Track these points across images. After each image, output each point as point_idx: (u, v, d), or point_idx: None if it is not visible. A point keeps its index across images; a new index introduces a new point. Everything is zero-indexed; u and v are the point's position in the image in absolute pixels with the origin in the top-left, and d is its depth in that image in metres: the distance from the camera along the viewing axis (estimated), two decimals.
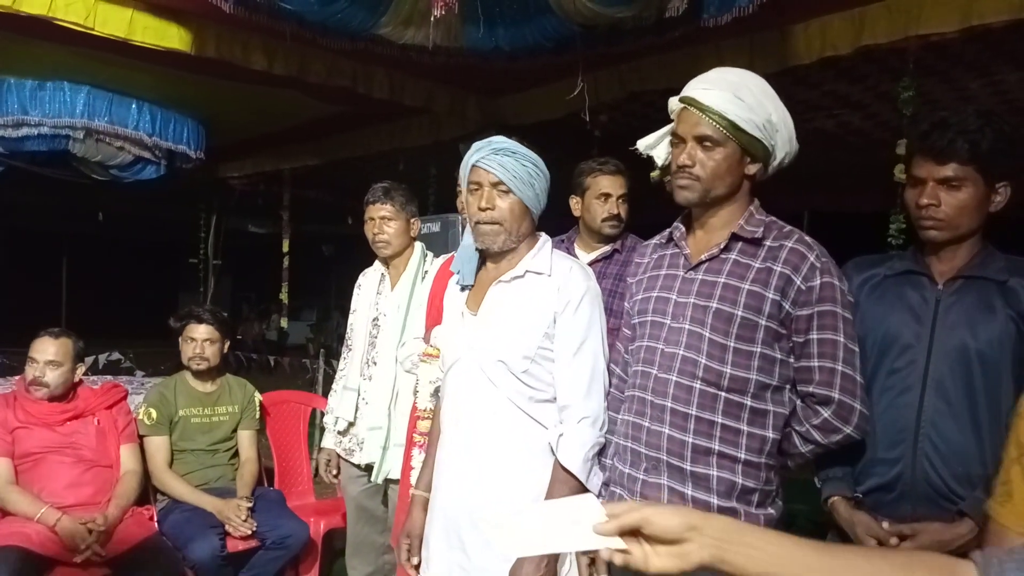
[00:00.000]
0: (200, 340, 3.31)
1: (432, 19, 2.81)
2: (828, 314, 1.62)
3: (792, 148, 1.71)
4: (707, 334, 1.65)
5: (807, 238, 1.68)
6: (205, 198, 7.98)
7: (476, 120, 4.96)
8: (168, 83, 4.73)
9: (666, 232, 1.84)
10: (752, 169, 1.69)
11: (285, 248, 7.65)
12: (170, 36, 3.84)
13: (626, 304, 1.91)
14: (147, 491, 3.18)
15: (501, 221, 1.89)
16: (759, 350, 1.63)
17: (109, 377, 4.24)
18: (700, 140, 1.65)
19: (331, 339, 10.26)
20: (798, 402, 1.67)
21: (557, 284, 1.89)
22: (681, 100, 1.71)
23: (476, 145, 1.95)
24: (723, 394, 1.63)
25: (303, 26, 3.43)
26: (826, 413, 1.63)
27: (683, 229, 1.79)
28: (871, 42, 3.41)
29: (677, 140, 1.70)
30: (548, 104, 4.46)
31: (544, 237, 2.01)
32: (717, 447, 1.63)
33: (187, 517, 3.04)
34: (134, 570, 2.76)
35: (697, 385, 1.64)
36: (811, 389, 1.63)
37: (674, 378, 1.66)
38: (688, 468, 1.64)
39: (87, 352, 3.27)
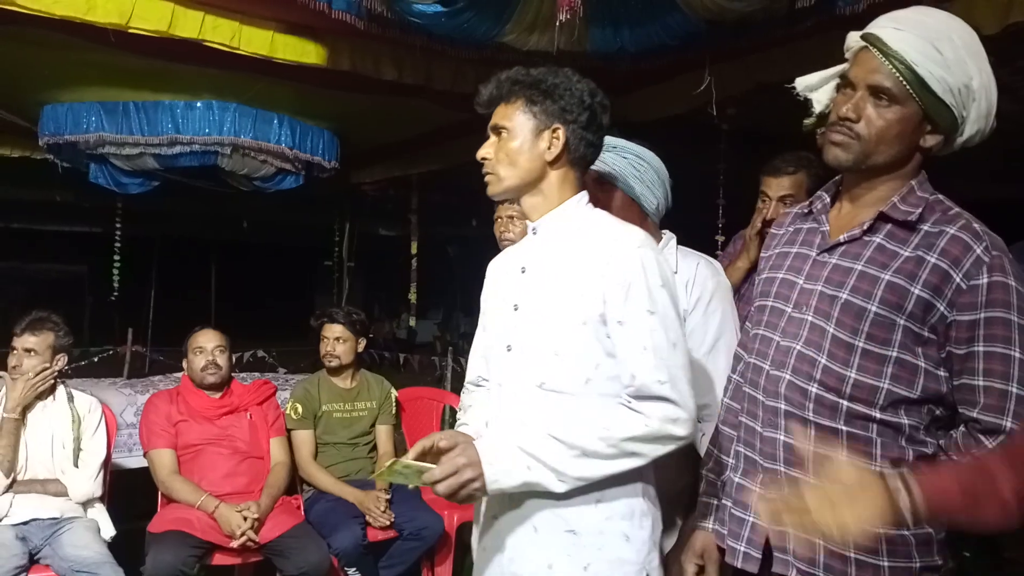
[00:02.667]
0: (332, 339, 3.49)
1: (557, 24, 2.86)
2: (999, 322, 1.31)
3: (988, 126, 1.40)
4: (831, 329, 1.39)
5: (976, 224, 1.36)
6: (339, 204, 8.35)
7: (607, 124, 4.97)
8: (305, 98, 4.98)
9: (807, 202, 1.57)
10: (930, 141, 1.38)
11: (413, 250, 7.91)
12: (308, 52, 4.06)
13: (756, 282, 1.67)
14: (294, 482, 3.38)
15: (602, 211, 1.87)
16: (894, 354, 1.35)
17: (257, 374, 4.52)
18: (874, 91, 1.35)
19: (455, 337, 10.54)
20: (960, 428, 1.37)
21: (684, 281, 1.87)
22: (863, 37, 1.39)
23: None
24: (844, 403, 1.37)
25: (431, 38, 3.56)
26: (991, 445, 1.30)
27: (827, 199, 1.51)
28: (1021, 19, 3.20)
29: (845, 85, 1.41)
30: (672, 100, 4.42)
31: (669, 235, 2.01)
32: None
33: (331, 507, 3.21)
34: (285, 555, 2.94)
35: (813, 388, 1.39)
36: (975, 414, 1.33)
37: (787, 376, 1.42)
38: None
39: (235, 350, 3.51)
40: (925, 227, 1.37)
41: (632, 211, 1.93)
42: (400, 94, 4.71)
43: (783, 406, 1.43)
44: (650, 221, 1.97)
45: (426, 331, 10.47)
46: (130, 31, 3.57)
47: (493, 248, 3.05)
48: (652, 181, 1.95)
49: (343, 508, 3.20)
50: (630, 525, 1.54)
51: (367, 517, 3.20)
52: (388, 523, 3.21)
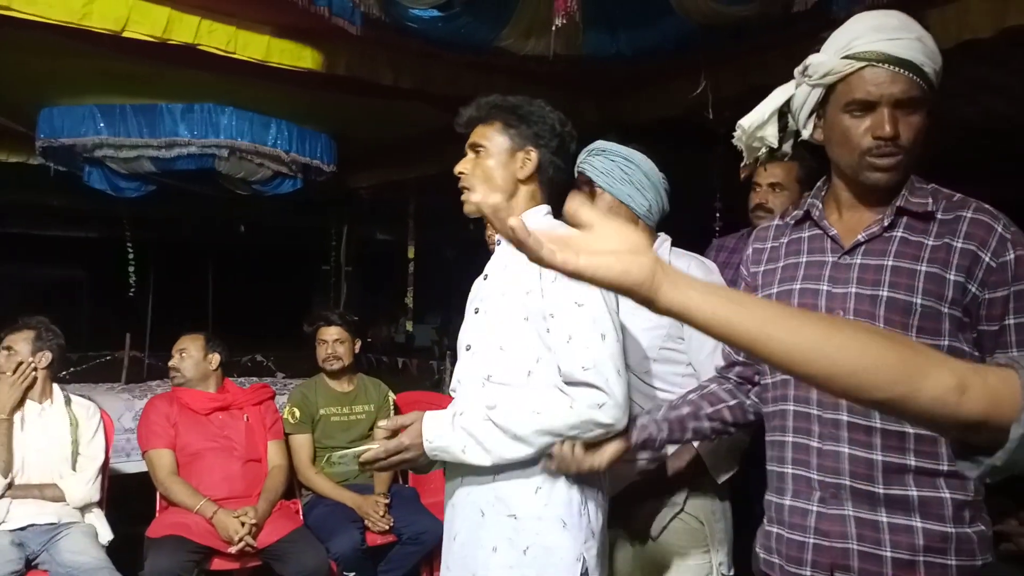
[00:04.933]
0: (331, 341, 3.50)
1: (553, 29, 2.86)
2: None
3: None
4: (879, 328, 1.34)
5: (986, 205, 1.40)
6: (336, 208, 8.34)
7: (594, 122, 4.99)
8: (302, 102, 4.98)
9: (795, 212, 1.57)
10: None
11: (410, 254, 7.90)
12: (304, 57, 4.07)
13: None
14: (292, 486, 3.38)
15: None
16: (947, 343, 1.35)
17: (255, 378, 4.52)
18: (901, 103, 1.35)
19: (453, 341, 10.47)
20: None
21: None
22: (857, 57, 1.36)
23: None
24: None
25: (428, 42, 3.56)
26: None
27: (820, 207, 1.51)
28: (1017, 23, 3.21)
29: (858, 109, 1.37)
30: (668, 103, 4.43)
31: (663, 237, 2.04)
32: (913, 462, 1.36)
33: (330, 511, 3.22)
34: (283, 560, 2.95)
35: None
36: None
37: None
38: (880, 491, 1.37)
39: (233, 355, 3.51)
40: (939, 215, 1.40)
41: (620, 214, 1.95)
42: (397, 98, 4.71)
43: (845, 417, 1.40)
44: (643, 224, 1.98)
45: (424, 335, 10.45)
46: (126, 36, 3.57)
47: (489, 253, 3.07)
48: (641, 184, 1.97)
49: (342, 512, 3.21)
50: (568, 511, 1.64)
51: (366, 521, 3.19)
52: (387, 527, 3.21)
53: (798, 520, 1.46)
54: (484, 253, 3.07)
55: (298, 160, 5.45)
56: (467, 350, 1.75)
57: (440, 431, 1.61)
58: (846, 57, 1.38)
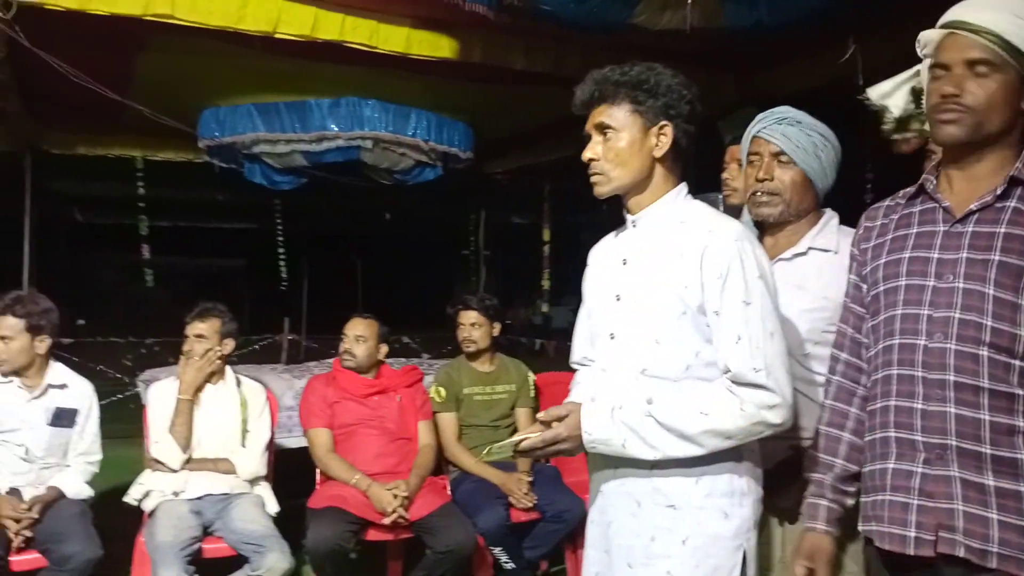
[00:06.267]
0: (468, 325, 3.59)
1: (689, 1, 2.81)
2: None
3: None
4: (991, 291, 1.39)
5: None
6: (474, 194, 8.54)
7: (732, 96, 4.85)
8: (439, 91, 5.13)
9: (908, 189, 1.59)
10: None
11: (546, 237, 7.99)
12: (441, 47, 4.17)
13: (850, 276, 1.66)
14: (440, 463, 3.51)
15: (779, 192, 1.87)
16: None
17: (403, 360, 4.71)
18: (972, 64, 1.42)
19: None
20: None
21: (848, 262, 1.84)
22: (946, 26, 1.47)
23: (760, 116, 1.96)
24: (1018, 363, 1.38)
25: (560, 25, 3.58)
26: None
27: (935, 181, 1.54)
28: None
29: (939, 71, 1.46)
30: (812, 74, 4.25)
31: (830, 213, 1.96)
32: (1022, 423, 1.38)
33: (476, 488, 3.32)
34: (433, 533, 3.06)
35: (984, 352, 1.38)
36: None
37: (953, 346, 1.41)
38: (988, 451, 1.38)
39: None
40: None
41: (807, 190, 1.90)
42: (531, 83, 4.75)
43: (952, 377, 1.41)
44: (813, 199, 1.92)
45: (561, 317, 10.52)
46: (277, 36, 3.79)
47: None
48: (830, 162, 1.91)
49: (487, 489, 3.30)
50: (730, 502, 1.60)
51: (510, 498, 3.28)
52: (530, 505, 3.28)
53: (901, 482, 1.47)
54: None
55: (437, 149, 5.62)
56: (612, 338, 1.69)
57: (600, 424, 1.60)
58: (940, 27, 1.47)
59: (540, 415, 1.69)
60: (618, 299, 1.69)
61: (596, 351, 1.75)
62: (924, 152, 2.44)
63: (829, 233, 1.90)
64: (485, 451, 1.78)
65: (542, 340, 8.15)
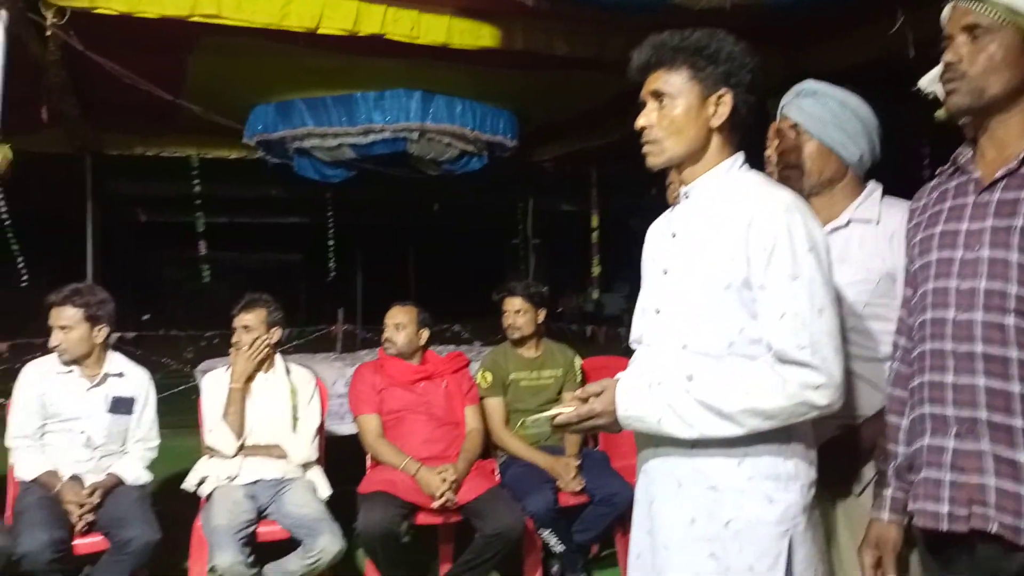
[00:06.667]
0: (512, 311, 3.61)
1: None
2: None
3: None
4: (1015, 258, 1.35)
5: None
6: (521, 183, 8.55)
7: (781, 74, 4.76)
8: (483, 80, 5.14)
9: (948, 165, 1.57)
10: None
11: (594, 223, 7.95)
12: (483, 35, 4.18)
13: (904, 259, 1.65)
14: (488, 447, 3.54)
15: (797, 165, 1.83)
16: None
17: (452, 347, 4.75)
18: (967, 29, 1.41)
19: None
20: None
21: (889, 234, 1.79)
22: None
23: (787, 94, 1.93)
24: None
25: (601, 8, 3.55)
26: None
27: (969, 153, 1.51)
28: None
29: (946, 43, 1.46)
30: (860, 47, 4.14)
31: (874, 185, 1.91)
32: None
33: (524, 472, 3.34)
34: (482, 516, 3.09)
35: (1011, 320, 1.34)
36: None
37: (979, 317, 1.38)
38: (1020, 425, 1.34)
39: (433, 325, 3.69)
40: None
41: (829, 162, 1.87)
42: (574, 68, 4.73)
43: (980, 348, 1.38)
44: (850, 172, 1.88)
45: (613, 304, 10.49)
46: (320, 33, 3.85)
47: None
48: (856, 130, 1.87)
49: (535, 473, 3.32)
50: (775, 486, 1.53)
51: (558, 482, 3.29)
52: (578, 488, 3.29)
53: (934, 458, 1.44)
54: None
55: (482, 138, 5.64)
56: (657, 313, 1.64)
57: (635, 400, 1.55)
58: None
59: (576, 392, 1.66)
60: (665, 273, 1.65)
61: (644, 327, 1.70)
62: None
63: (871, 205, 1.87)
64: (519, 423, 1.78)
65: (592, 327, 8.12)
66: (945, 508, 1.40)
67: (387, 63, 4.77)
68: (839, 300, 1.68)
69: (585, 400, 1.61)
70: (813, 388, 1.45)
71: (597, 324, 8.35)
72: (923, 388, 1.48)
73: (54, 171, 6.67)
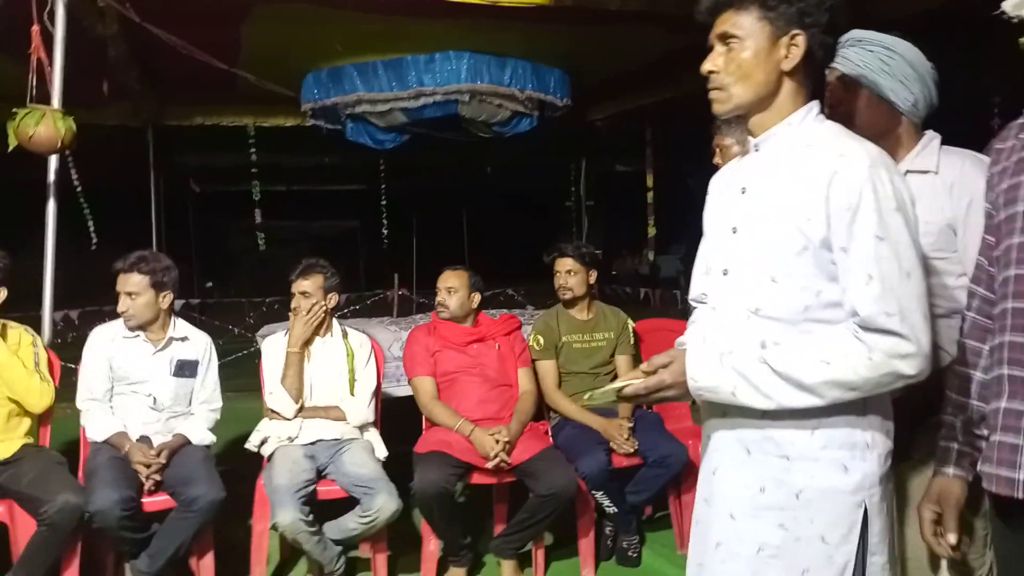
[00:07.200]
0: (563, 272, 3.58)
1: None
2: None
3: None
4: None
5: None
6: (574, 144, 8.46)
7: (846, 24, 4.59)
8: (533, 38, 5.08)
9: None
10: None
11: (649, 183, 7.83)
12: None
13: (984, 204, 1.53)
14: (541, 409, 3.55)
15: (849, 116, 1.76)
16: None
17: (505, 310, 4.77)
18: None
19: None
20: None
21: (949, 183, 1.72)
22: None
23: None
24: None
25: None
26: None
27: None
28: None
29: None
30: None
31: (931, 135, 1.83)
32: None
33: (577, 433, 3.34)
34: (535, 477, 3.11)
35: None
36: None
37: None
38: None
39: (487, 290, 3.69)
40: None
41: (880, 111, 1.79)
42: (626, 22, 4.64)
43: None
44: (907, 121, 1.81)
45: (669, 266, 10.37)
46: None
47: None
48: (906, 75, 1.78)
49: (588, 435, 3.32)
50: (850, 455, 1.46)
51: (611, 444, 3.29)
52: (632, 450, 3.28)
53: (1012, 422, 1.35)
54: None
55: (534, 97, 5.59)
56: (724, 274, 1.55)
57: (707, 370, 1.48)
58: None
59: (643, 365, 1.58)
60: (734, 231, 1.54)
61: (709, 287, 1.61)
62: None
63: (929, 154, 1.79)
64: (586, 396, 1.72)
65: (647, 289, 8.06)
66: (1022, 475, 1.34)
67: (436, 25, 4.76)
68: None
69: (653, 372, 1.55)
70: (901, 357, 1.37)
71: (652, 287, 8.28)
72: (1003, 348, 1.39)
73: (119, 143, 6.86)
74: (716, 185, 1.72)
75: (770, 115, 1.52)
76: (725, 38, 1.49)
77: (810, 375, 1.40)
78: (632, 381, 1.57)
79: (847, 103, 1.79)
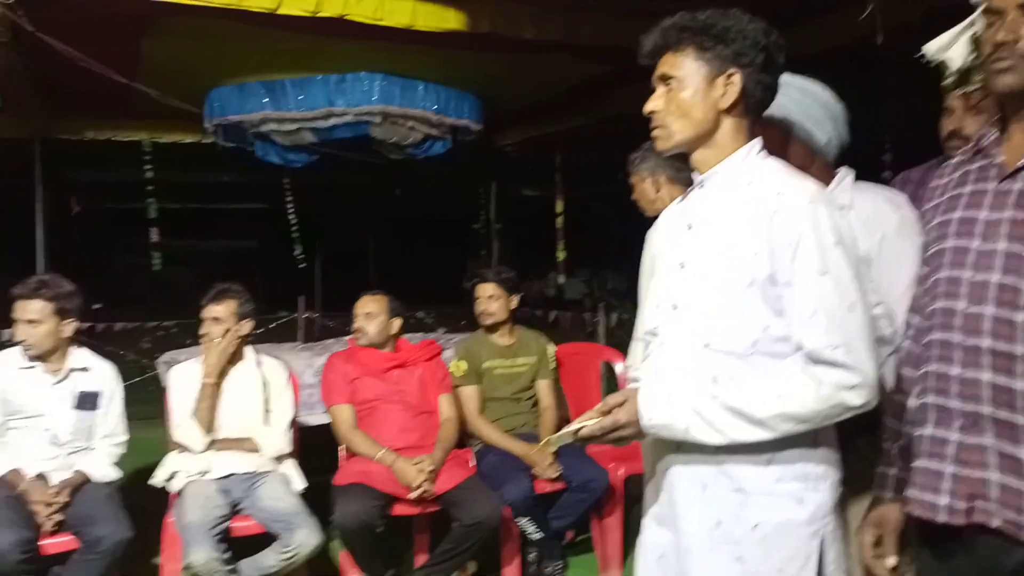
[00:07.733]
0: (485, 297, 3.58)
1: None
2: None
3: None
4: None
5: None
6: (484, 168, 8.50)
7: (782, 64, 4.79)
8: (448, 63, 5.08)
9: (971, 144, 1.51)
10: None
11: (559, 208, 7.95)
12: (448, 18, 4.12)
13: (919, 238, 1.60)
14: (464, 436, 3.51)
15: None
16: None
17: (420, 334, 4.71)
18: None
19: (604, 293, 10.59)
20: None
21: (863, 219, 1.77)
22: None
23: None
24: None
25: None
26: None
27: (993, 134, 1.44)
28: None
29: (992, 17, 1.36)
30: (831, 33, 4.17)
31: (845, 171, 1.90)
32: None
33: (500, 460, 3.32)
34: (459, 506, 3.07)
35: (1020, 317, 1.31)
36: None
37: (989, 311, 1.34)
38: (1022, 422, 1.31)
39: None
40: None
41: (796, 150, 1.83)
42: (542, 51, 4.70)
43: (988, 343, 1.34)
44: (819, 159, 1.88)
45: (575, 289, 10.54)
46: (280, 14, 3.74)
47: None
48: (819, 116, 1.84)
49: (511, 461, 3.31)
50: (804, 487, 1.49)
51: (534, 470, 3.28)
52: (555, 476, 3.28)
53: (936, 449, 1.40)
54: (632, 205, 3.01)
55: (446, 121, 5.58)
56: (674, 309, 1.58)
57: (659, 408, 1.50)
58: None
59: (599, 405, 1.59)
60: (682, 267, 1.58)
61: (659, 322, 1.64)
62: (943, 110, 2.40)
63: (843, 191, 1.85)
64: (543, 442, 1.73)
65: (556, 312, 8.14)
66: (944, 500, 1.38)
67: (350, 45, 4.68)
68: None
69: (607, 412, 1.55)
70: (848, 389, 1.41)
71: (560, 309, 8.36)
72: (928, 378, 1.45)
73: (2, 157, 6.45)
74: (663, 221, 1.75)
75: (712, 152, 1.56)
76: (665, 79, 1.54)
77: (761, 409, 1.43)
78: (587, 422, 1.56)
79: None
